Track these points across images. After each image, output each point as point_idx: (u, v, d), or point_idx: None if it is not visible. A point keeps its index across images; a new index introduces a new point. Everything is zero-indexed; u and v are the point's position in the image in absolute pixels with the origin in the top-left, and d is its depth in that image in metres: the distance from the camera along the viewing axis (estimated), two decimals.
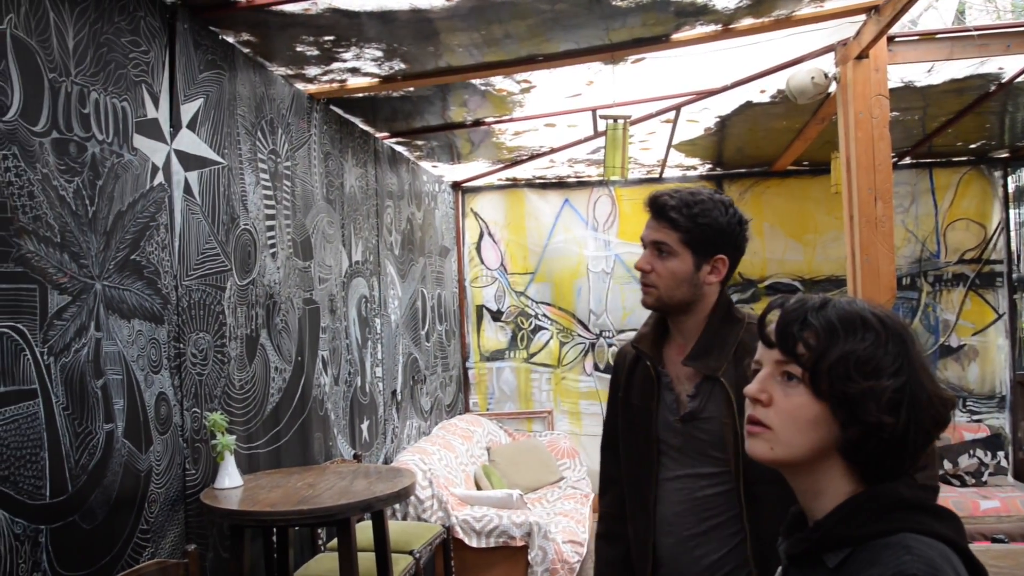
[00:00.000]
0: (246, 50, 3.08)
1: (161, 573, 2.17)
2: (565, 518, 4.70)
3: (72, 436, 2.06)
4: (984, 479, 5.49)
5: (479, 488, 4.90)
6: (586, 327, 6.31)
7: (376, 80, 3.57)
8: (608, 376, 6.03)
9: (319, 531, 3.49)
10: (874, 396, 0.97)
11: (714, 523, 1.64)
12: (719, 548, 1.63)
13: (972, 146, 5.59)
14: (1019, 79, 3.97)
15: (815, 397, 1.00)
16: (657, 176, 6.21)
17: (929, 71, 3.86)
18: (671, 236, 1.68)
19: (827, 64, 3.63)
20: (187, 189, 2.64)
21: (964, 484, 5.41)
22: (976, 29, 3.30)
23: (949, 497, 4.90)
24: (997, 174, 5.97)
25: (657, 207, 1.70)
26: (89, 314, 2.15)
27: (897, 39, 3.34)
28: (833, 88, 3.62)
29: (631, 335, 6.12)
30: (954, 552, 0.93)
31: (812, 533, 1.00)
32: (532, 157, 5.44)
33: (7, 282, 1.88)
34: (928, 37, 3.39)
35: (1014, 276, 5.96)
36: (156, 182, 2.48)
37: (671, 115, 4.52)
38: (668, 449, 1.71)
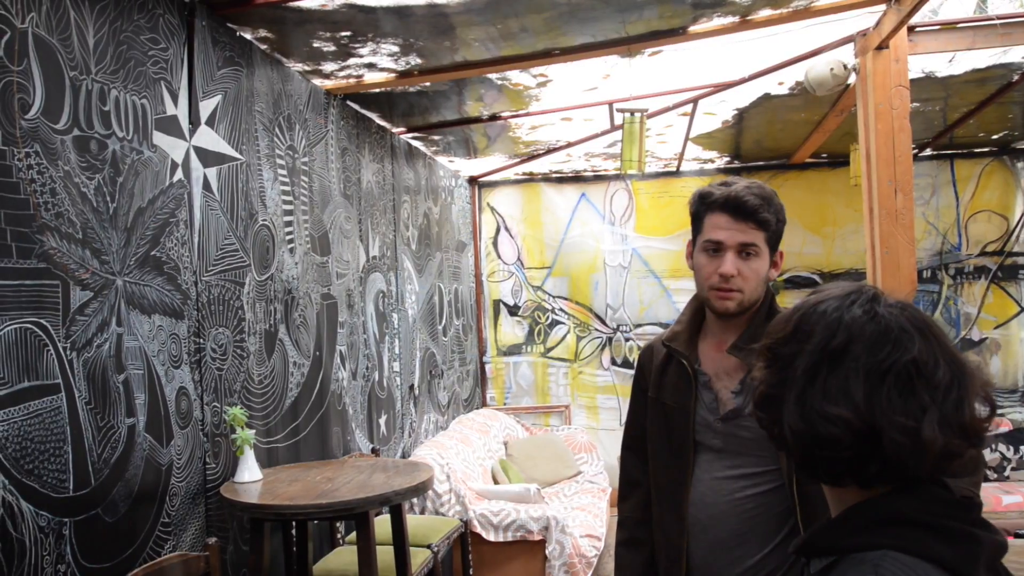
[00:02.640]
0: (263, 46, 3.09)
1: (182, 566, 2.20)
2: (582, 512, 4.70)
3: (95, 430, 2.08)
4: (1006, 474, 5.43)
5: (496, 482, 4.91)
6: (603, 321, 6.29)
7: (392, 75, 3.57)
8: (626, 371, 6.12)
9: (338, 525, 3.52)
10: (755, 386, 1.00)
11: (754, 524, 1.57)
12: (759, 549, 1.56)
13: (994, 137, 5.52)
14: None
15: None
16: (674, 170, 6.18)
17: (950, 61, 3.81)
18: (759, 236, 1.60)
19: (846, 55, 3.60)
20: (206, 185, 2.66)
21: (986, 479, 5.36)
22: (999, 18, 3.25)
23: None
24: (1020, 165, 5.89)
25: (745, 208, 1.58)
26: (110, 310, 2.17)
27: (918, 29, 3.30)
28: (852, 79, 3.58)
29: (649, 329, 6.21)
30: None
31: (803, 537, 1.00)
32: (548, 151, 5.44)
33: (30, 278, 1.90)
34: (949, 26, 3.35)
35: None
36: (175, 178, 2.50)
37: (688, 108, 4.49)
38: (705, 450, 1.65)
